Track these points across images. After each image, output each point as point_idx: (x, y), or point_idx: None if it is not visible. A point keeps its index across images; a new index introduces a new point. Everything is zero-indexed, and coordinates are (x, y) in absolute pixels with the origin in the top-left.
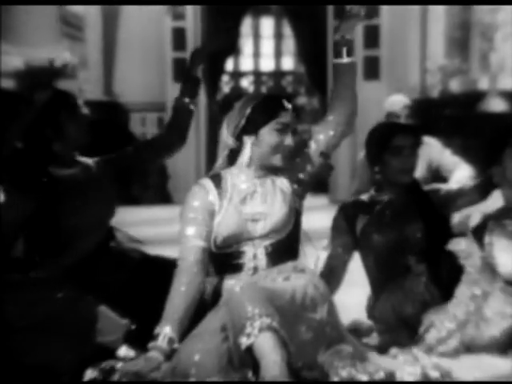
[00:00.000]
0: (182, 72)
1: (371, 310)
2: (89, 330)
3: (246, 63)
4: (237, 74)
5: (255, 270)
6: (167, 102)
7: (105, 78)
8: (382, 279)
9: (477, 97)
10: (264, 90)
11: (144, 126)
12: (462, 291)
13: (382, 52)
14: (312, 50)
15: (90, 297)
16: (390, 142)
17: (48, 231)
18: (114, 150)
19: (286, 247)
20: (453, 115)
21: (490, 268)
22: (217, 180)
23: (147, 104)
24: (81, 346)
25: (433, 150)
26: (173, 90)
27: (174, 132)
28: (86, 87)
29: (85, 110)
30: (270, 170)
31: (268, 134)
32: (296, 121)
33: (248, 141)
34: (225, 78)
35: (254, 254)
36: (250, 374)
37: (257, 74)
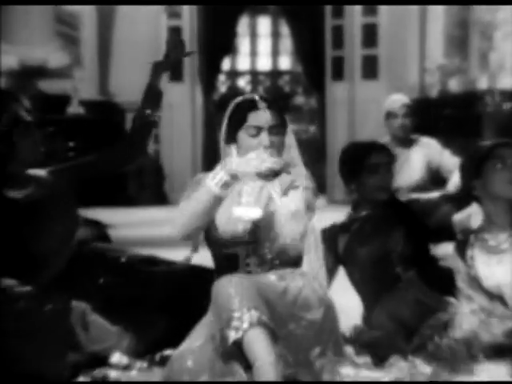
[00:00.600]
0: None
1: (367, 322)
2: (79, 339)
3: (243, 62)
4: (233, 74)
5: (249, 273)
6: (163, 102)
7: (100, 78)
8: (372, 293)
9: (476, 96)
10: (261, 89)
11: None
12: (463, 307)
13: (381, 51)
14: (309, 48)
15: (81, 305)
16: (365, 160)
17: (15, 255)
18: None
19: (285, 256)
20: (452, 115)
21: (477, 282)
22: None
23: None
24: (72, 355)
25: (432, 151)
26: (169, 90)
27: (135, 144)
28: (81, 86)
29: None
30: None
31: (243, 139)
32: (276, 118)
33: (232, 147)
34: (221, 78)
35: (247, 263)
36: (238, 369)
37: (254, 74)
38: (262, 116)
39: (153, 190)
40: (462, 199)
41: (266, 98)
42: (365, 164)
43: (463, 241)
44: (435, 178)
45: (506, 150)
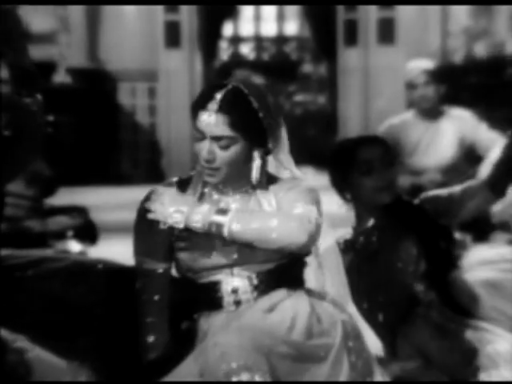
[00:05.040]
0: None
1: (389, 354)
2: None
3: (246, 28)
4: (236, 40)
5: (238, 304)
6: (159, 69)
7: (89, 43)
8: (385, 324)
9: (504, 61)
10: (266, 56)
11: (134, 97)
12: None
13: (398, 13)
14: (319, 11)
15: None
16: (355, 158)
17: None
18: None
19: (283, 275)
20: (478, 82)
21: None
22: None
23: (137, 72)
24: None
25: (465, 125)
26: (165, 57)
27: None
28: (68, 53)
29: None
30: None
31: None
32: (229, 128)
33: None
34: (223, 44)
35: (234, 288)
36: None
37: (258, 40)
38: (205, 120)
39: (148, 166)
40: (497, 185)
41: (244, 90)
42: (355, 162)
43: None
44: (469, 156)
45: None
